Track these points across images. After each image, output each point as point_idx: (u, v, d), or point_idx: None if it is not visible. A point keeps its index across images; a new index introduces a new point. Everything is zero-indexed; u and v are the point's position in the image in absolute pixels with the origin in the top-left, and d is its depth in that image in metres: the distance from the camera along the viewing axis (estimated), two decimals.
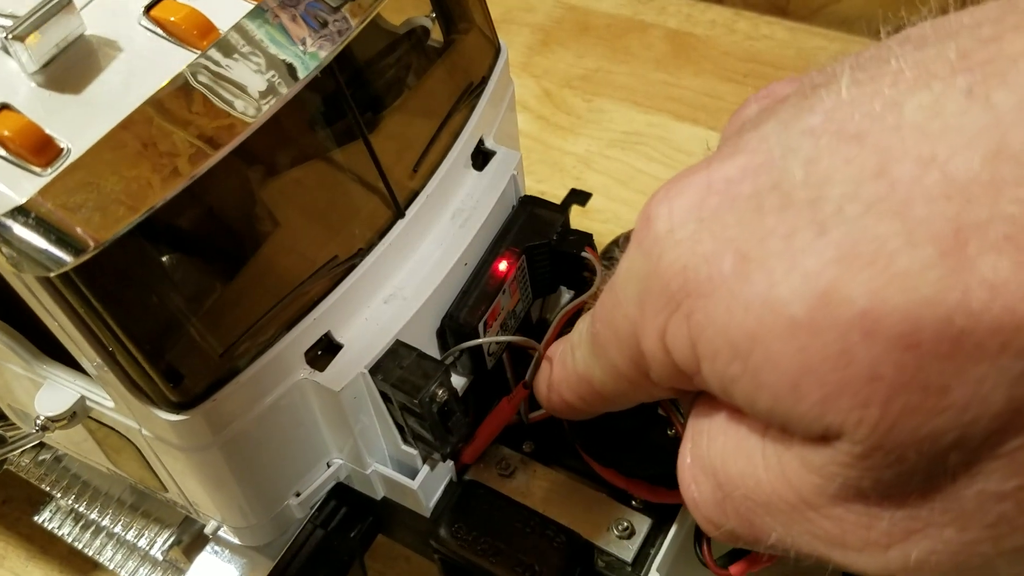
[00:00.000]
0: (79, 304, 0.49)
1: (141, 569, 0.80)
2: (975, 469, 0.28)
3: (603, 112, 1.32)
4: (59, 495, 0.78)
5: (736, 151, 0.32)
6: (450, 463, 0.69)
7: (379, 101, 0.61)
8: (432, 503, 0.68)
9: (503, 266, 0.66)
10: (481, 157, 0.70)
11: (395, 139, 0.62)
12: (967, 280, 0.26)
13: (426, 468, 0.66)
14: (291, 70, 0.51)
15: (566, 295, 0.75)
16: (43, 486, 0.79)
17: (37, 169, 0.46)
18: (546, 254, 0.68)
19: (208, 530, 0.65)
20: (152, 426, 0.56)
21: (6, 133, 0.46)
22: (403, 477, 0.66)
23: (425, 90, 0.65)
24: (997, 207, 0.26)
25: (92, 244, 0.46)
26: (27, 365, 0.59)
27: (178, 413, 0.54)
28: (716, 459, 0.35)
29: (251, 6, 0.52)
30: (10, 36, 0.47)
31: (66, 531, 0.83)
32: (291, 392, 0.59)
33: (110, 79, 0.49)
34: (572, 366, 0.45)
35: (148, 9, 0.51)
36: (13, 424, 0.72)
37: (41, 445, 0.80)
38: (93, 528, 0.82)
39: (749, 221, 0.29)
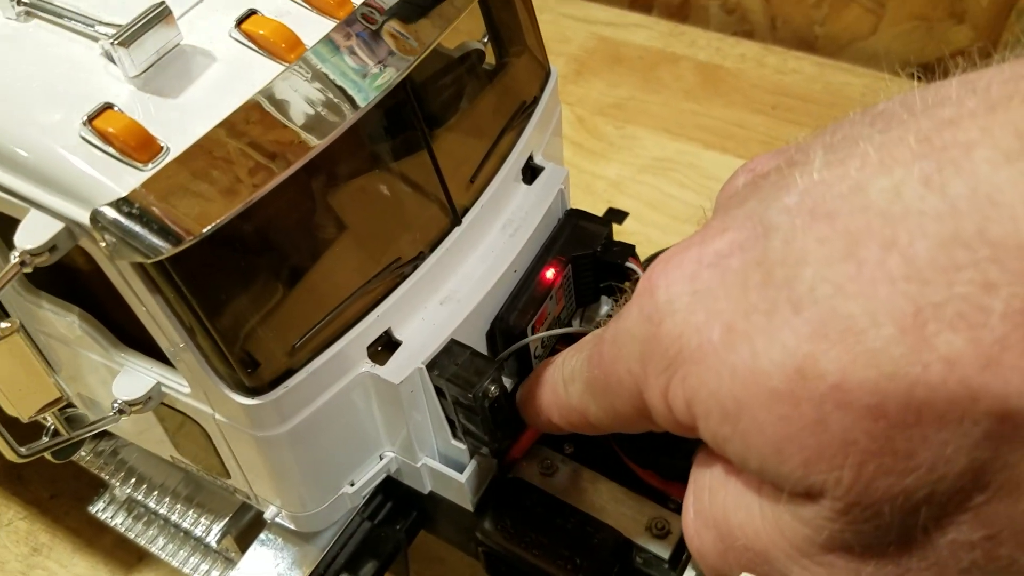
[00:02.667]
0: (170, 291, 0.53)
1: (192, 558, 0.83)
2: (946, 522, 0.30)
3: (634, 139, 1.36)
4: (117, 484, 0.81)
5: (725, 227, 0.35)
6: (495, 461, 0.72)
7: (441, 118, 0.66)
8: (477, 498, 0.71)
9: (550, 273, 0.70)
10: (530, 172, 0.74)
11: (454, 153, 0.66)
12: (926, 356, 0.29)
13: (473, 463, 0.69)
14: (366, 87, 0.56)
15: (605, 306, 0.78)
16: (103, 475, 0.82)
17: (139, 164, 0.50)
18: (591, 264, 0.72)
19: (268, 515, 0.69)
20: (226, 410, 0.60)
21: (111, 130, 0.50)
22: (451, 471, 0.69)
23: (482, 108, 0.69)
24: (952, 289, 0.28)
25: (188, 236, 0.50)
26: (105, 353, 0.63)
27: (252, 398, 0.58)
28: (718, 512, 0.38)
29: (333, 23, 0.57)
30: (115, 42, 0.51)
31: (119, 521, 0.87)
32: (353, 384, 0.63)
33: (204, 85, 0.54)
34: (565, 398, 0.47)
35: (239, 22, 0.55)
36: (77, 410, 0.76)
37: (102, 435, 0.83)
38: (146, 518, 0.86)
39: (736, 295, 0.32)
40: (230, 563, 0.82)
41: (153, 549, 0.85)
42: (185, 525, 0.77)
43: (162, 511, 0.79)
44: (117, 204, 0.49)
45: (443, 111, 0.66)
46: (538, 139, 0.75)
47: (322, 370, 0.61)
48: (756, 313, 0.31)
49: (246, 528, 0.78)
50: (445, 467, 0.69)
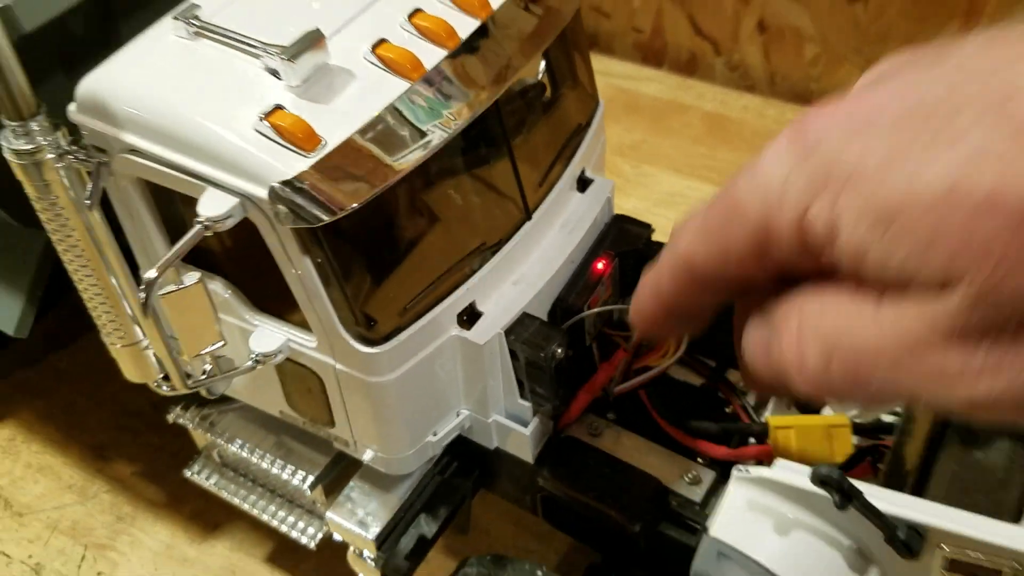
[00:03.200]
0: (319, 253, 0.67)
1: (280, 512, 0.96)
2: None
3: (648, 176, 1.52)
4: (222, 442, 0.94)
5: (882, 87, 0.41)
6: (551, 422, 0.86)
7: (518, 133, 0.81)
8: (537, 451, 0.85)
9: (601, 265, 0.85)
10: (583, 183, 0.89)
11: (527, 161, 0.81)
12: None
13: (536, 420, 0.83)
14: (470, 103, 0.71)
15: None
16: (208, 435, 0.95)
17: (304, 153, 0.65)
18: (634, 259, 0.86)
19: (365, 458, 0.82)
20: (346, 360, 0.73)
21: (283, 125, 0.65)
22: (517, 425, 0.83)
23: (548, 128, 0.85)
24: None
25: (341, 210, 0.64)
26: (242, 315, 0.77)
27: (371, 347, 0.72)
28: (828, 327, 0.42)
29: (445, 52, 0.72)
30: (283, 58, 0.66)
31: (212, 481, 0.99)
32: (445, 345, 0.77)
33: (348, 95, 0.69)
34: (669, 255, 0.50)
35: (373, 48, 0.71)
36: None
37: (205, 404, 0.96)
38: (237, 480, 0.98)
39: (891, 135, 0.38)
40: (315, 516, 0.95)
41: (244, 505, 0.97)
42: (281, 475, 0.90)
43: (258, 462, 0.91)
44: (290, 182, 0.64)
45: (519, 128, 0.81)
46: (588, 157, 0.90)
47: (424, 330, 0.75)
48: (914, 145, 0.37)
49: (333, 480, 0.91)
50: (512, 422, 0.83)
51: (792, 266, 0.44)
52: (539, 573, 0.82)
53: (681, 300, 0.50)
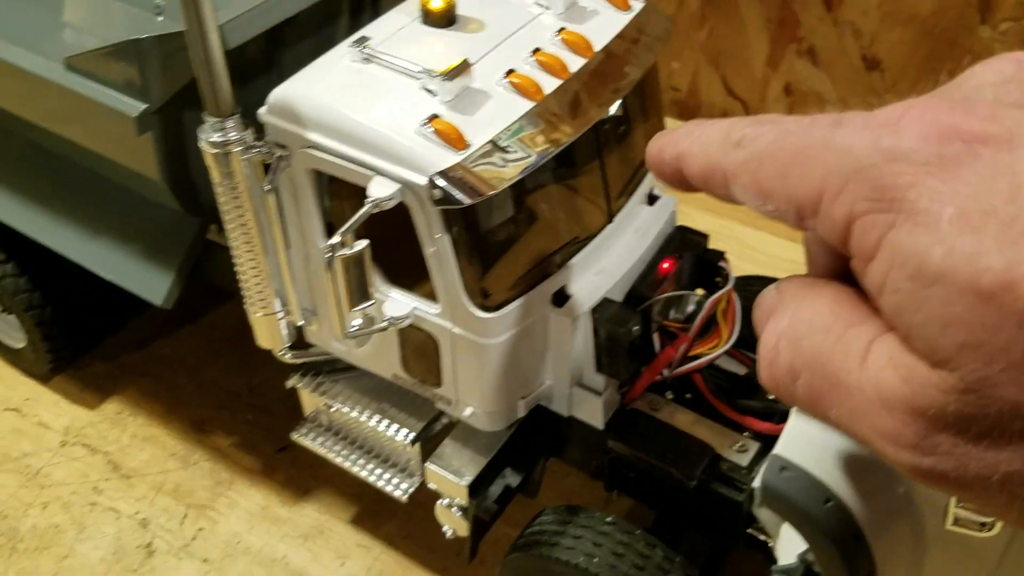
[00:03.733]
0: (458, 231, 0.84)
1: (378, 469, 1.11)
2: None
3: (687, 215, 1.70)
4: (335, 404, 1.10)
5: (993, 117, 0.37)
6: (618, 397, 1.02)
7: (607, 151, 0.99)
8: (606, 419, 1.01)
9: (666, 265, 1.02)
10: (652, 198, 1.07)
11: (614, 175, 0.99)
12: None
13: (608, 391, 0.99)
14: (580, 120, 0.89)
15: (692, 301, 1.09)
16: (322, 398, 1.11)
17: (456, 151, 0.83)
18: (693, 261, 1.04)
19: (464, 415, 0.98)
20: (464, 324, 0.90)
21: (440, 128, 0.83)
22: (592, 394, 0.99)
23: (631, 150, 1.03)
24: None
25: (480, 196, 0.82)
26: (377, 287, 0.94)
27: (487, 313, 0.89)
28: (808, 346, 0.41)
29: (559, 82, 0.90)
30: (443, 79, 0.85)
31: (319, 442, 1.15)
32: (540, 319, 0.94)
33: (486, 110, 0.87)
34: (720, 156, 0.44)
35: (506, 75, 0.89)
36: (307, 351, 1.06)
37: (319, 373, 1.13)
38: (341, 441, 1.14)
39: (978, 188, 0.35)
40: (407, 474, 1.11)
41: (345, 463, 1.13)
42: (386, 432, 1.06)
43: (366, 421, 1.07)
44: (444, 172, 0.82)
45: (609, 147, 0.99)
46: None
47: (526, 304, 0.92)
48: (993, 216, 0.34)
49: (427, 441, 1.07)
50: (587, 392, 1.00)
51: (827, 240, 0.41)
52: (608, 519, 0.98)
53: (710, 191, 0.47)
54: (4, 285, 1.28)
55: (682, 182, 0.48)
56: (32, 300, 1.29)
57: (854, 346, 0.39)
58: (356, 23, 1.04)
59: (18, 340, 1.39)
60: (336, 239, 0.82)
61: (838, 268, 0.43)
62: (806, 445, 0.73)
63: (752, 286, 1.11)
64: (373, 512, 1.25)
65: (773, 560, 0.89)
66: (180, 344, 1.48)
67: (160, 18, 0.92)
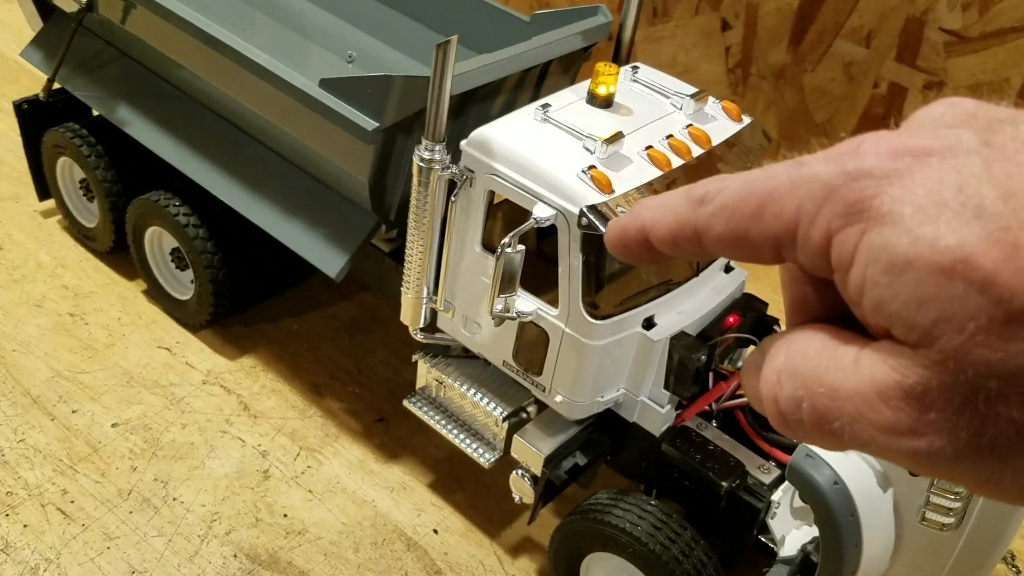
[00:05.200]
0: (590, 253, 1.14)
1: (468, 439, 1.38)
2: (1006, 396, 0.38)
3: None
4: (443, 383, 1.38)
5: (935, 136, 0.41)
6: (674, 413, 1.30)
7: None
8: (662, 429, 1.29)
9: (731, 319, 1.31)
10: (728, 268, 1.37)
11: None
12: None
13: (669, 405, 1.27)
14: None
15: (744, 356, 1.38)
16: (436, 372, 1.39)
17: (603, 193, 1.13)
18: (752, 319, 1.33)
19: (555, 401, 1.26)
20: (574, 326, 1.19)
21: (594, 176, 1.14)
22: (656, 406, 1.27)
23: None
24: None
25: None
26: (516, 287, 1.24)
27: (595, 320, 1.18)
28: (809, 367, 0.43)
29: (682, 161, 1.21)
30: (603, 143, 1.16)
31: (425, 411, 1.43)
32: (631, 336, 1.23)
33: (629, 170, 1.18)
34: (688, 214, 0.46)
35: (645, 148, 1.20)
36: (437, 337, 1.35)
37: (438, 355, 1.41)
38: (441, 412, 1.42)
39: (930, 187, 0.39)
40: (492, 447, 1.38)
41: (443, 431, 1.41)
42: (485, 406, 1.34)
43: (470, 395, 1.35)
44: (593, 206, 1.12)
45: None
46: None
47: (624, 321, 1.21)
48: (945, 207, 0.38)
49: (516, 419, 1.35)
50: (653, 403, 1.27)
51: (805, 267, 0.44)
52: (652, 502, 1.24)
53: (682, 251, 0.48)
54: (195, 245, 1.59)
55: (649, 252, 0.49)
56: (213, 261, 1.60)
57: (846, 358, 0.42)
58: (519, 92, 1.36)
59: (184, 293, 1.70)
60: (507, 240, 1.12)
61: (817, 306, 0.46)
62: None
63: None
64: (448, 482, 1.52)
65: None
66: (306, 324, 1.78)
67: (350, 64, 1.25)
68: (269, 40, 1.83)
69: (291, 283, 1.81)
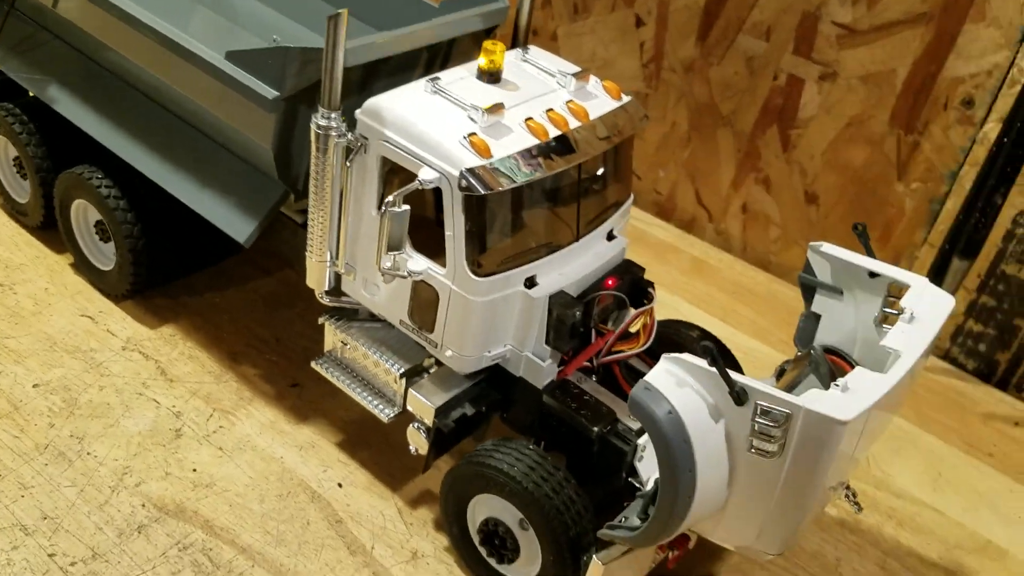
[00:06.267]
0: (472, 213, 1.24)
1: (370, 397, 1.47)
2: None
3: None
4: (347, 345, 1.47)
5: None
6: (556, 368, 1.39)
7: (585, 189, 1.39)
8: (545, 383, 1.38)
9: (610, 281, 1.41)
10: (610, 236, 1.47)
11: (585, 208, 1.39)
12: None
13: (550, 360, 1.37)
14: (565, 160, 1.30)
15: (624, 318, 1.48)
16: (340, 336, 1.48)
17: (482, 157, 1.23)
18: (631, 283, 1.43)
19: (444, 356, 1.35)
20: (460, 283, 1.28)
21: (474, 141, 1.23)
22: (539, 360, 1.36)
23: (601, 196, 1.44)
24: None
25: (492, 189, 1.21)
26: (406, 248, 1.33)
27: (478, 278, 1.27)
28: None
29: (560, 132, 1.31)
30: (484, 112, 1.25)
31: (333, 373, 1.51)
32: (514, 293, 1.32)
33: (508, 138, 1.27)
34: None
35: (525, 120, 1.30)
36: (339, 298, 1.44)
37: (343, 317, 1.50)
38: (348, 374, 1.51)
39: None
40: (393, 404, 1.47)
41: (347, 390, 1.49)
42: (384, 364, 1.43)
43: (371, 355, 1.44)
44: (472, 169, 1.21)
45: (586, 187, 1.40)
46: (617, 222, 1.48)
47: (507, 279, 1.30)
48: None
49: (413, 376, 1.44)
50: (536, 358, 1.37)
51: None
52: (530, 447, 1.33)
53: None
54: (115, 216, 1.66)
55: None
56: (132, 232, 1.67)
57: None
58: (429, 71, 1.46)
59: (106, 264, 1.77)
60: (390, 199, 1.21)
61: None
62: (664, 376, 1.11)
63: (678, 326, 1.52)
64: (356, 441, 1.61)
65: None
66: (227, 298, 1.86)
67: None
68: (199, 26, 1.92)
69: (214, 259, 1.89)
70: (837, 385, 1.04)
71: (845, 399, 1.02)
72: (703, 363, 1.08)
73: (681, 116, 2.25)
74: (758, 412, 1.06)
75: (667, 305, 2.06)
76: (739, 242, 2.27)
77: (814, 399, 1.02)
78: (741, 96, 2.13)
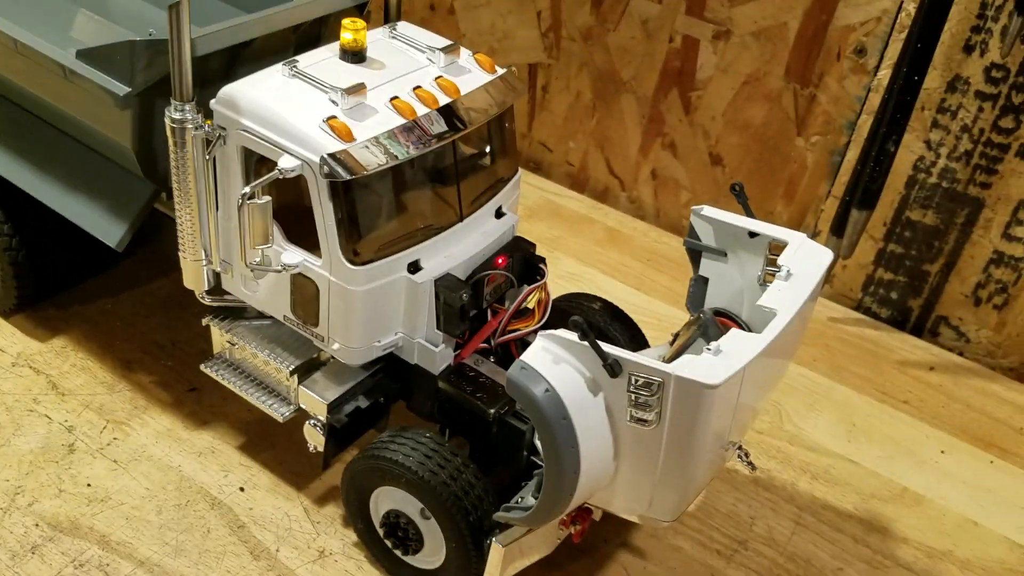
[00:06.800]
0: (340, 199, 1.19)
1: (263, 396, 1.42)
2: None
3: (559, 260, 2.08)
4: (235, 345, 1.42)
5: None
6: (452, 353, 1.36)
7: (465, 170, 1.35)
8: (440, 368, 1.34)
9: (500, 260, 1.38)
10: (499, 214, 1.43)
11: (467, 186, 1.35)
12: None
13: (443, 345, 1.33)
14: (437, 138, 1.26)
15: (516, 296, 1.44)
16: (228, 335, 1.43)
17: (343, 141, 1.18)
18: (522, 261, 1.39)
19: (332, 349, 1.31)
20: (338, 273, 1.24)
21: (334, 125, 1.19)
22: (431, 346, 1.33)
23: (484, 173, 1.40)
24: None
25: (355, 174, 1.17)
26: (279, 242, 1.28)
27: (355, 267, 1.23)
28: None
29: (429, 110, 1.27)
30: (343, 94, 1.21)
31: (223, 375, 1.46)
32: (397, 280, 1.28)
33: (372, 119, 1.23)
34: None
35: (391, 99, 1.25)
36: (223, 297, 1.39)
37: (227, 318, 1.45)
38: (239, 375, 1.46)
39: None
40: (287, 402, 1.42)
41: (240, 391, 1.44)
42: (273, 362, 1.38)
43: (260, 355, 1.39)
44: (333, 154, 1.17)
45: (465, 165, 1.36)
46: (505, 199, 1.44)
47: (388, 265, 1.26)
48: None
49: (303, 375, 1.39)
50: (428, 344, 1.33)
51: None
52: (427, 435, 1.30)
53: None
54: None
55: None
56: (11, 244, 1.60)
57: None
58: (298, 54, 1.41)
59: None
60: (247, 190, 1.16)
61: None
62: (540, 354, 1.07)
63: (579, 299, 1.49)
64: (256, 443, 1.56)
65: None
66: (120, 303, 1.79)
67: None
68: (78, 26, 1.84)
69: (104, 267, 1.82)
70: (710, 349, 1.02)
71: (716, 363, 1.00)
72: (575, 337, 1.05)
73: (584, 85, 2.21)
74: (633, 383, 1.03)
75: (582, 277, 2.04)
76: (652, 209, 2.25)
77: (684, 365, 1.00)
78: (640, 61, 2.10)
